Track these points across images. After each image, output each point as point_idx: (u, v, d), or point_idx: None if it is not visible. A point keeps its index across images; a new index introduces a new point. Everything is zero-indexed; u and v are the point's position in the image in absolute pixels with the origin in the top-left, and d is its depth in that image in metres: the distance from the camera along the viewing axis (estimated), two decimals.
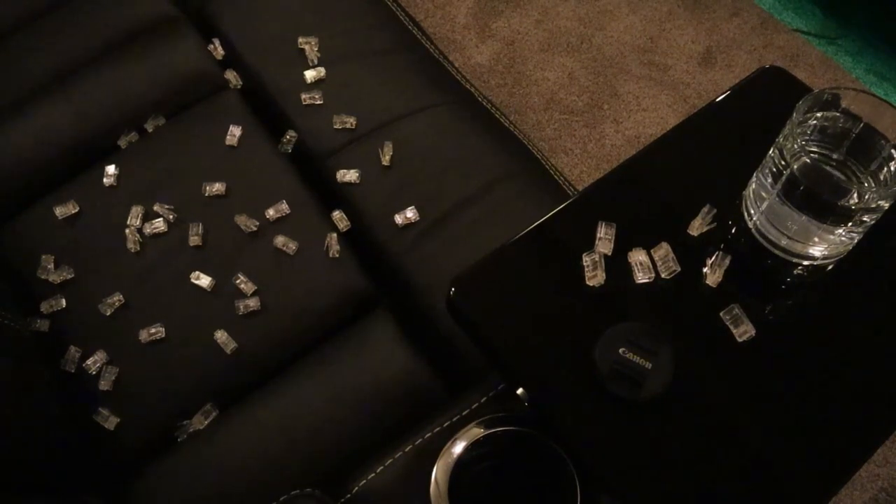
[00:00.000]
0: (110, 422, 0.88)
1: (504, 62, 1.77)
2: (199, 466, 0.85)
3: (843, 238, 0.67)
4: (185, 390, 0.90)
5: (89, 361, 0.90)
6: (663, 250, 0.68)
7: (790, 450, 0.62)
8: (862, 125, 0.67)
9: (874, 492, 1.30)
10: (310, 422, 0.86)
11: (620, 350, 0.62)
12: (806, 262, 0.69)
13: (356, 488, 0.71)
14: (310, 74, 1.09)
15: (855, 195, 0.65)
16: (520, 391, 0.66)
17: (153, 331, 0.92)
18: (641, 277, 0.67)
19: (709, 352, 0.65)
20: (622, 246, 0.69)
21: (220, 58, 1.15)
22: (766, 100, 0.79)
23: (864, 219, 0.64)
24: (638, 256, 0.68)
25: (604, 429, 0.63)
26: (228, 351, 0.91)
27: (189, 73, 1.12)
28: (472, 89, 1.15)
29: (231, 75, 1.14)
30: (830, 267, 0.69)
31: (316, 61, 1.10)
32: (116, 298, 0.94)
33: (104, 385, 0.89)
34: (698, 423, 0.63)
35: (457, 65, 1.78)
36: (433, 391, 0.87)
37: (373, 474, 0.72)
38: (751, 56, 1.78)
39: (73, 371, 0.91)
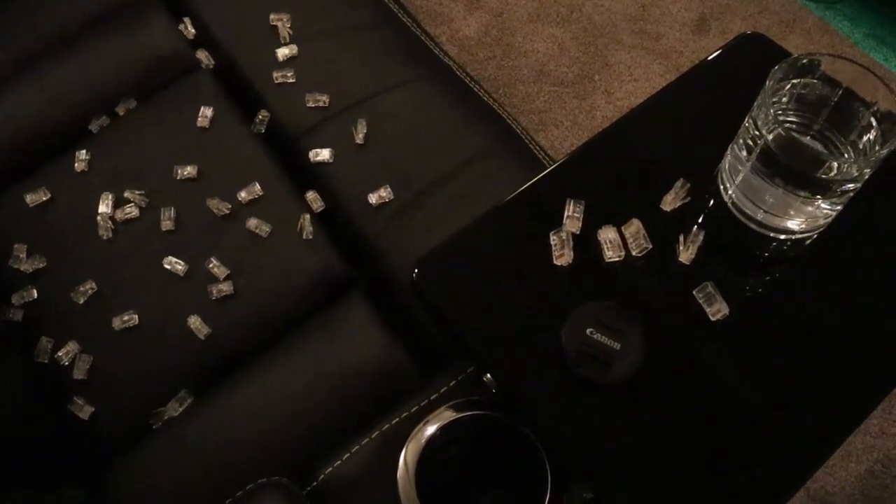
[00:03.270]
0: (85, 411, 0.87)
1: (493, 34, 1.73)
2: (174, 454, 0.84)
3: (823, 209, 0.64)
4: (160, 377, 0.89)
5: (61, 353, 0.89)
6: (634, 227, 0.66)
7: (764, 432, 0.60)
8: (841, 92, 0.64)
9: (869, 463, 1.28)
10: (284, 407, 0.85)
11: (588, 331, 0.60)
12: (783, 237, 0.66)
13: (322, 476, 0.70)
14: (282, 52, 1.06)
15: (833, 166, 0.63)
16: (487, 377, 0.64)
17: (126, 318, 0.90)
18: (611, 256, 0.65)
19: (681, 332, 0.63)
20: (592, 223, 0.66)
21: (191, 37, 1.13)
22: (745, 68, 0.76)
23: (844, 189, 0.62)
24: (608, 234, 0.66)
25: (572, 413, 0.61)
26: (202, 336, 0.89)
27: (160, 53, 1.10)
28: (451, 63, 1.12)
29: (203, 55, 1.11)
30: (810, 241, 0.67)
31: (288, 38, 1.07)
32: (89, 286, 0.93)
33: (78, 374, 0.88)
34: (669, 405, 0.61)
35: (444, 38, 1.75)
36: (408, 375, 0.86)
37: (339, 461, 0.71)
38: (745, 22, 1.74)
39: (46, 362, 0.89)
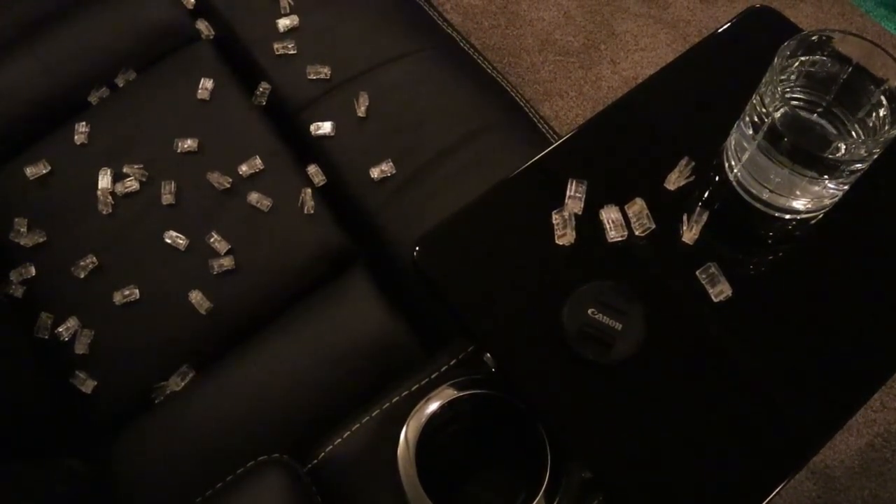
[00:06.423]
0: (87, 385, 0.87)
1: (497, 2, 1.71)
2: (176, 429, 0.85)
3: (830, 189, 0.63)
4: (162, 352, 0.89)
5: (61, 329, 0.89)
6: (637, 206, 0.65)
7: (767, 413, 0.60)
8: (850, 69, 0.63)
9: (870, 437, 1.28)
10: (285, 383, 0.85)
11: (590, 311, 0.60)
12: (788, 216, 0.65)
13: (322, 454, 0.70)
14: (283, 23, 1.04)
15: (841, 147, 0.62)
16: (487, 356, 0.64)
17: (127, 292, 0.90)
18: (614, 235, 0.64)
19: (683, 313, 0.63)
20: (595, 202, 0.65)
21: (191, 7, 1.11)
22: (753, 43, 0.75)
23: (852, 169, 0.61)
24: (610, 213, 0.65)
25: (573, 393, 0.61)
26: (203, 311, 0.89)
27: (160, 23, 1.08)
28: (455, 34, 1.10)
29: (203, 25, 1.09)
30: (815, 221, 0.66)
31: (289, 8, 1.05)
32: (90, 260, 0.92)
33: (80, 349, 0.88)
34: (670, 386, 0.61)
35: (448, 5, 1.72)
36: (410, 351, 0.86)
37: (339, 439, 0.71)
38: None
39: (46, 337, 0.89)
